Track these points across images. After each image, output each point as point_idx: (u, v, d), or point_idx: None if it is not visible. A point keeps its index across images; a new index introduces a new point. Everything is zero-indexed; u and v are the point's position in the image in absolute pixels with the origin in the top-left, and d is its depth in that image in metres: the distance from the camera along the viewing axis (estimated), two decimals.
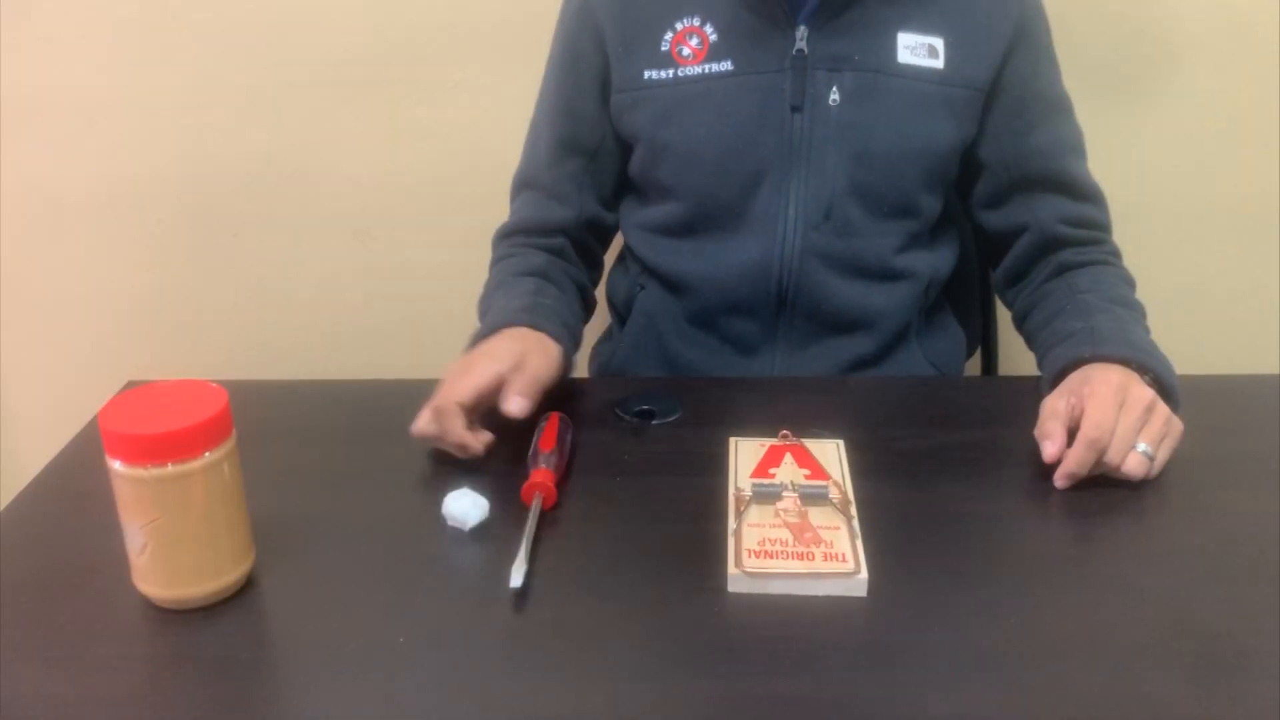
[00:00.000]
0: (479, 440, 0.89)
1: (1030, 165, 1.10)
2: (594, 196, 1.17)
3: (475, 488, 0.84)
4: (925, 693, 0.66)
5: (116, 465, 0.70)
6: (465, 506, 0.81)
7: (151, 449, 0.69)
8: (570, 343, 1.03)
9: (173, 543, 0.72)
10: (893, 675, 0.67)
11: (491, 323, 1.01)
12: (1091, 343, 0.96)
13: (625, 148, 1.15)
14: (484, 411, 0.92)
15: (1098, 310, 1.01)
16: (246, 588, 0.76)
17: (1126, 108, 1.46)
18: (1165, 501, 0.86)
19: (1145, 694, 0.66)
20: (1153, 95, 1.46)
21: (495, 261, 1.16)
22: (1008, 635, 0.70)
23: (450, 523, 0.81)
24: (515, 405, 0.90)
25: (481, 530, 0.81)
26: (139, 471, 0.69)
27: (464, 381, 0.90)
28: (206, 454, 0.71)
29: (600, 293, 1.29)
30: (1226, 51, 1.43)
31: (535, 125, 1.18)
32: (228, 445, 0.73)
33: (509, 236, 1.17)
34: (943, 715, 0.64)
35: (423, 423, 0.89)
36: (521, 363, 0.93)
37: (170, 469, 0.69)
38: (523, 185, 1.19)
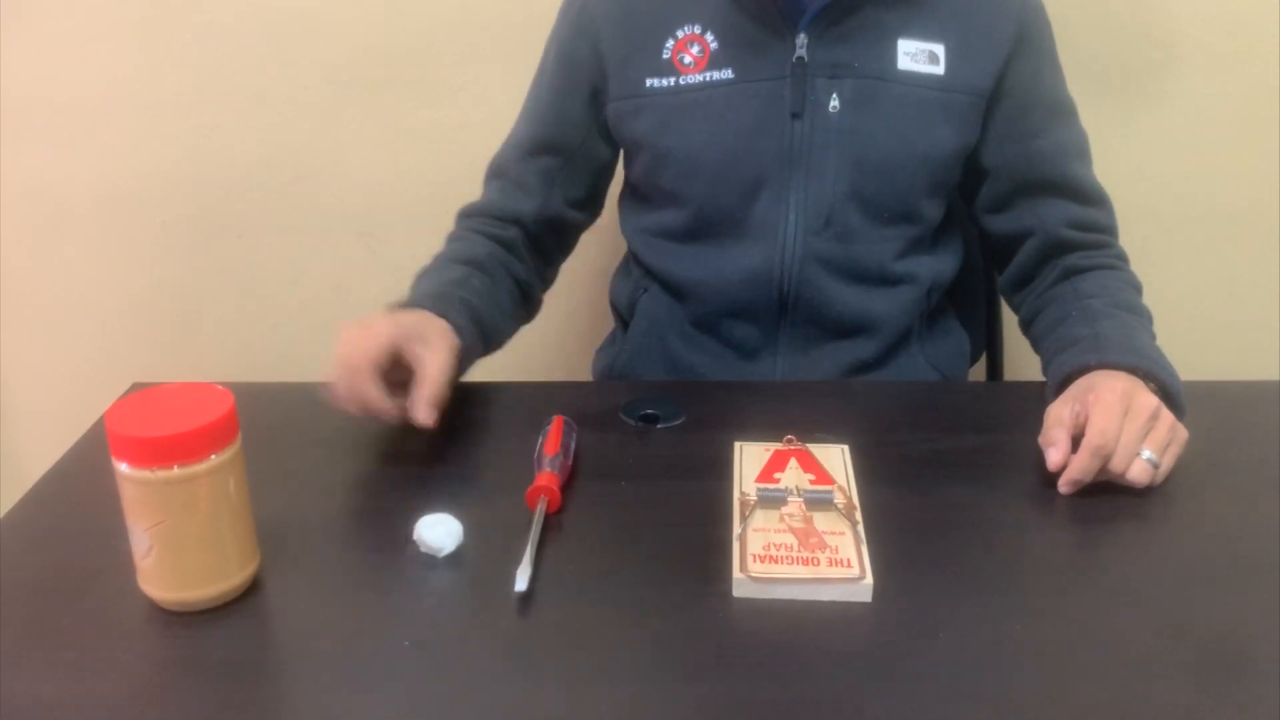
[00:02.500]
0: (392, 405, 0.87)
1: (1034, 170, 1.10)
2: (561, 196, 1.16)
3: (470, 490, 0.83)
4: (930, 698, 0.66)
5: (123, 468, 0.70)
6: (439, 535, 0.79)
7: (158, 451, 0.69)
8: (475, 336, 1.00)
9: (178, 545, 0.72)
10: (898, 680, 0.67)
11: (399, 304, 0.99)
12: (1096, 350, 0.96)
13: (606, 155, 1.16)
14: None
15: (1103, 316, 1.01)
16: (251, 590, 0.76)
17: (1127, 110, 1.46)
18: (1168, 507, 0.86)
19: (1149, 699, 0.66)
20: (1153, 98, 1.46)
21: (447, 240, 1.16)
22: (1012, 640, 0.70)
23: (423, 549, 0.79)
24: (424, 415, 0.87)
25: (484, 534, 0.81)
26: (145, 474, 0.69)
27: (368, 338, 0.88)
28: (213, 456, 0.71)
29: (603, 296, 1.29)
30: (1227, 54, 1.43)
31: (520, 119, 1.18)
32: (233, 448, 0.73)
33: (468, 217, 1.17)
34: None
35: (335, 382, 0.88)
36: (423, 338, 0.91)
37: (176, 471, 0.69)
38: (492, 174, 1.19)
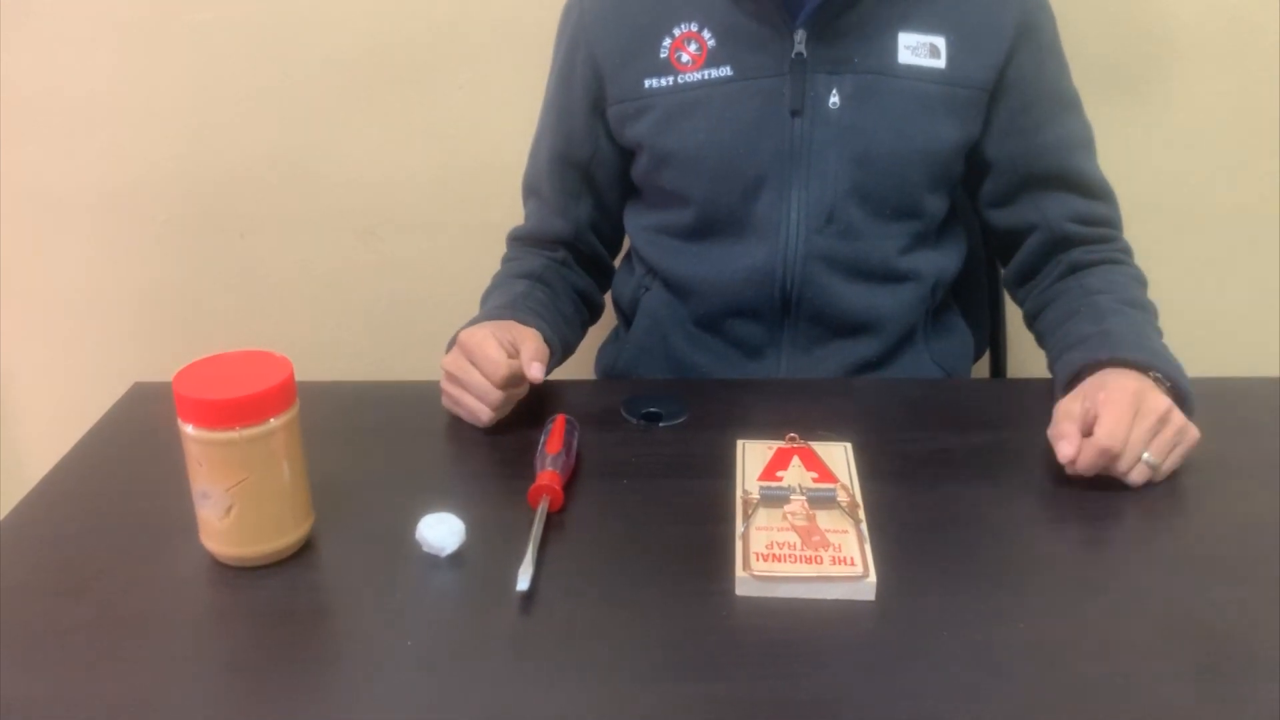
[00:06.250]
0: (508, 364, 0.93)
1: (1038, 163, 1.09)
2: (592, 204, 1.18)
3: (472, 489, 0.83)
4: (933, 696, 0.65)
5: (208, 433, 0.73)
6: (442, 533, 0.79)
7: (240, 411, 0.73)
8: (551, 335, 1.04)
9: (258, 501, 0.76)
10: (901, 678, 0.67)
11: (474, 320, 1.03)
12: (1107, 346, 0.95)
13: (623, 157, 1.16)
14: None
15: (1111, 313, 1.01)
16: (254, 588, 0.76)
17: (1127, 108, 1.46)
18: (1171, 504, 0.86)
19: (1152, 696, 0.65)
20: (1154, 95, 1.45)
21: (502, 262, 1.20)
22: (1015, 638, 0.70)
23: (425, 549, 0.79)
24: (536, 370, 0.94)
25: (486, 533, 0.81)
26: (230, 435, 0.73)
27: (479, 332, 0.95)
28: (286, 411, 0.76)
29: (607, 294, 1.29)
30: (1228, 52, 1.43)
31: (538, 131, 1.20)
32: (297, 404, 0.77)
33: (516, 241, 1.21)
34: (950, 718, 0.64)
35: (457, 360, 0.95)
36: (515, 337, 0.97)
37: (259, 428, 0.74)
38: (529, 191, 1.22)
